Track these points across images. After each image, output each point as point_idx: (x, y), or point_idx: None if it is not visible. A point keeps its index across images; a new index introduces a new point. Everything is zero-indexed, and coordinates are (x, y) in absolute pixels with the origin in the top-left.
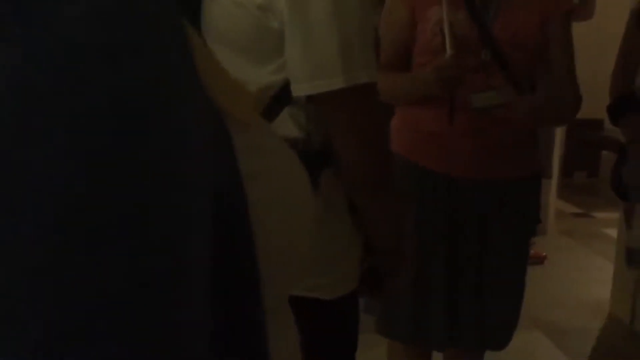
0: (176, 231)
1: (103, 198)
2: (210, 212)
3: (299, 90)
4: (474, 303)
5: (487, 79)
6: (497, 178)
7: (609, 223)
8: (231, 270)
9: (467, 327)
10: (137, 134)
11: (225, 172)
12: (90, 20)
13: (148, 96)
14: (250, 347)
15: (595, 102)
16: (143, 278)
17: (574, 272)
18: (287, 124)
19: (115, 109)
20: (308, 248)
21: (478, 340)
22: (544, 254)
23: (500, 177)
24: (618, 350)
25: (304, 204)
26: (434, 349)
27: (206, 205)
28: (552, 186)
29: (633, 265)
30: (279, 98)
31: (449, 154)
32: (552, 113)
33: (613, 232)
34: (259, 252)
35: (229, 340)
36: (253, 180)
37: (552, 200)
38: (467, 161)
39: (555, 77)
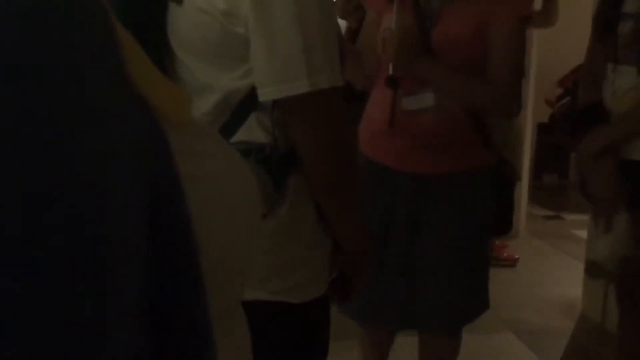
0: (105, 229)
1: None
2: (145, 216)
3: (265, 95)
4: (403, 286)
5: (420, 82)
6: (428, 172)
7: (578, 224)
8: (174, 280)
9: (424, 310)
10: (52, 131)
11: (163, 173)
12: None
13: (64, 93)
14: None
15: None
16: (62, 285)
17: (546, 274)
18: (254, 129)
19: (25, 107)
20: (251, 254)
21: (432, 323)
22: (516, 256)
23: (431, 172)
24: (590, 350)
25: (245, 210)
26: (388, 328)
27: (140, 209)
28: (522, 189)
29: (592, 277)
30: (246, 103)
31: (386, 150)
32: (480, 94)
33: (583, 233)
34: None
35: (172, 354)
36: (188, 184)
37: (523, 203)
38: (399, 157)
39: (492, 76)
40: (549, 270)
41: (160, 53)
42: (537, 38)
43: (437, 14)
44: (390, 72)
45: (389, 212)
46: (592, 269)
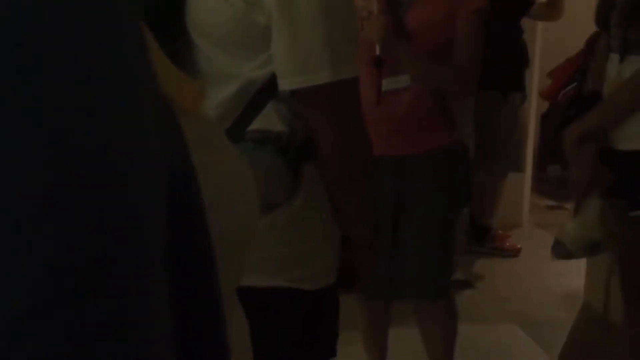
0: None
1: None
2: (165, 196)
3: (286, 84)
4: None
5: (397, 66)
6: (407, 153)
7: None
8: (190, 261)
9: (407, 280)
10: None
11: (179, 158)
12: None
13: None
14: (212, 338)
15: None
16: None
17: (548, 264)
18: (271, 118)
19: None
20: (248, 245)
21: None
22: (519, 246)
23: (409, 153)
24: (592, 340)
25: (244, 200)
26: (379, 297)
27: (162, 187)
28: (526, 180)
29: (555, 256)
30: (264, 92)
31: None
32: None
33: None
34: None
35: (189, 330)
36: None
37: (527, 194)
38: (383, 142)
39: (455, 61)
40: (552, 261)
41: (177, 42)
42: (541, 30)
43: (410, 2)
44: (378, 52)
45: (378, 196)
46: (556, 248)
